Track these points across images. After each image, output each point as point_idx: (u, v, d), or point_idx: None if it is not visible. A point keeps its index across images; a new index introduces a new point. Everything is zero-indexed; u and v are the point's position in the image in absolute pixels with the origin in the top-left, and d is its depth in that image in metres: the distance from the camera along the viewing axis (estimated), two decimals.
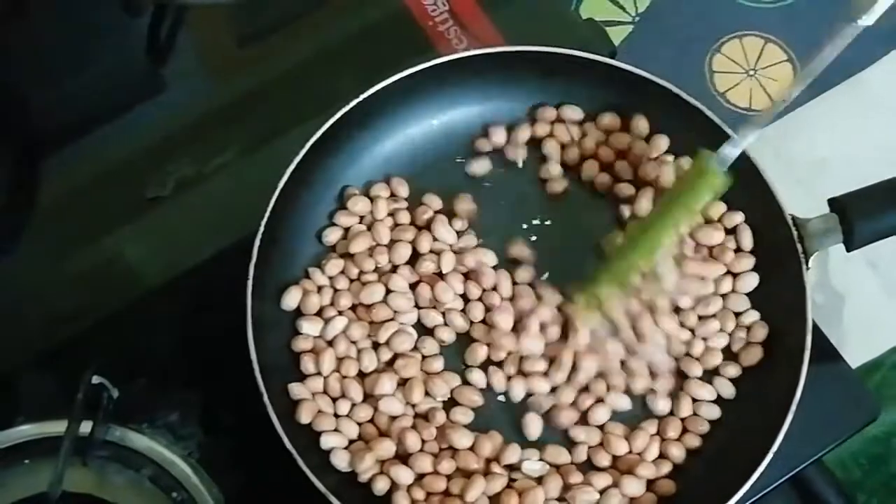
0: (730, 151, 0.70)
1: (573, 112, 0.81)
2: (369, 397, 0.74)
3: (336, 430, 0.73)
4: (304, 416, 0.73)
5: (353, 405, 0.74)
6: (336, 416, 0.74)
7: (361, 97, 0.77)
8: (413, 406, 0.74)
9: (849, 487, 0.89)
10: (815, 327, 0.73)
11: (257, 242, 0.74)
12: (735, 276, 0.77)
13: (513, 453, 0.73)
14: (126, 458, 0.74)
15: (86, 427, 0.73)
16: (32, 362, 0.78)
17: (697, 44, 1.07)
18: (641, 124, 0.80)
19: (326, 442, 0.73)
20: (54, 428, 0.73)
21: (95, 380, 0.74)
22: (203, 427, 0.76)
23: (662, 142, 0.80)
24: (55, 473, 0.71)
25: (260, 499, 0.75)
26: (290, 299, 0.76)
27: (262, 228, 0.74)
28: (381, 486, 0.72)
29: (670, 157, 0.79)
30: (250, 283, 0.73)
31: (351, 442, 0.73)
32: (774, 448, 0.69)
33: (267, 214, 0.74)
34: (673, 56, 1.06)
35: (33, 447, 0.74)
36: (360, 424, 0.74)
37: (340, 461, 0.72)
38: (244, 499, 0.74)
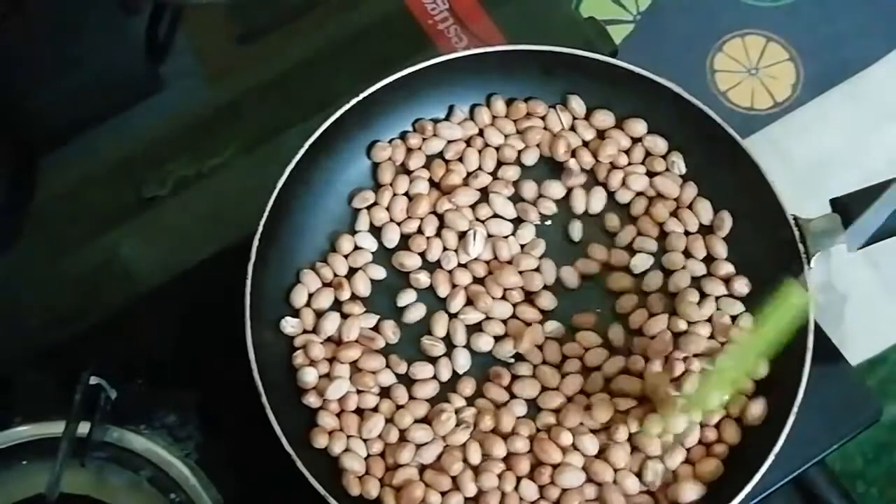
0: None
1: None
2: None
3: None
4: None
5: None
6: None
7: (361, 96, 0.77)
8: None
9: (849, 477, 0.89)
10: (817, 328, 0.72)
11: (256, 242, 0.73)
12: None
13: None
14: (124, 460, 0.74)
15: (84, 428, 0.73)
16: (30, 363, 0.78)
17: (699, 42, 1.06)
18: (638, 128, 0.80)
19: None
20: (52, 429, 0.73)
21: (93, 380, 0.74)
22: (201, 428, 0.75)
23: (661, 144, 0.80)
24: (53, 475, 0.71)
25: (258, 500, 0.74)
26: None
27: (260, 228, 0.74)
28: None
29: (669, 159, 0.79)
30: (249, 283, 0.72)
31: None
32: (776, 449, 0.69)
33: (266, 214, 0.74)
34: (674, 55, 1.06)
35: (31, 448, 0.74)
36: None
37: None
38: (242, 500, 0.74)
